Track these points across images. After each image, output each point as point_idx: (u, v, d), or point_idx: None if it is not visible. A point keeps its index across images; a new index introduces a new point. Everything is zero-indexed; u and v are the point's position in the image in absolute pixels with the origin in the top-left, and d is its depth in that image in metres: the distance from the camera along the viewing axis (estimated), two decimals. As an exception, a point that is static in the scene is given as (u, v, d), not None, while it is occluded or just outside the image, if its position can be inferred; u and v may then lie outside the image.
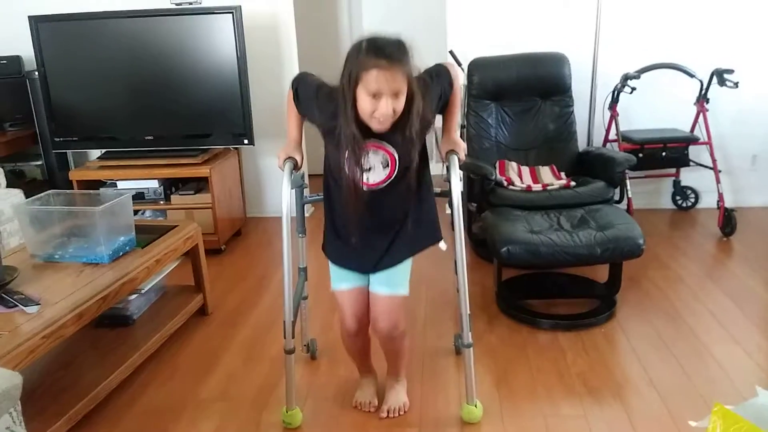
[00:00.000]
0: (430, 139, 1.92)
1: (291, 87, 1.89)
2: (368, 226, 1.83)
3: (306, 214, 3.72)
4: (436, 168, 2.06)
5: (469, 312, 1.95)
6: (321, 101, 1.77)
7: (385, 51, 1.57)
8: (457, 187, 1.86)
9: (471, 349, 1.98)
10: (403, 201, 1.82)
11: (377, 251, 1.85)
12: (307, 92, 1.84)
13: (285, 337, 1.96)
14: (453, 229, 1.96)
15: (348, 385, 2.22)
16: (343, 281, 1.91)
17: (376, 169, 1.75)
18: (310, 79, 1.86)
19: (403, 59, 1.60)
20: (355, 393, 2.14)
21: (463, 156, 1.87)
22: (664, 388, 2.15)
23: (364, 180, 1.75)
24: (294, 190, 2.07)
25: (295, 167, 1.90)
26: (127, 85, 3.57)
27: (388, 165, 1.75)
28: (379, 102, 1.60)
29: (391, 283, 1.87)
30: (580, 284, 2.92)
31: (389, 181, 1.77)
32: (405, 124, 1.67)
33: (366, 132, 1.68)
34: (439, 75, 1.82)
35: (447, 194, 2.00)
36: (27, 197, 3.30)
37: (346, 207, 1.80)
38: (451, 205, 1.95)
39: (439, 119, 1.91)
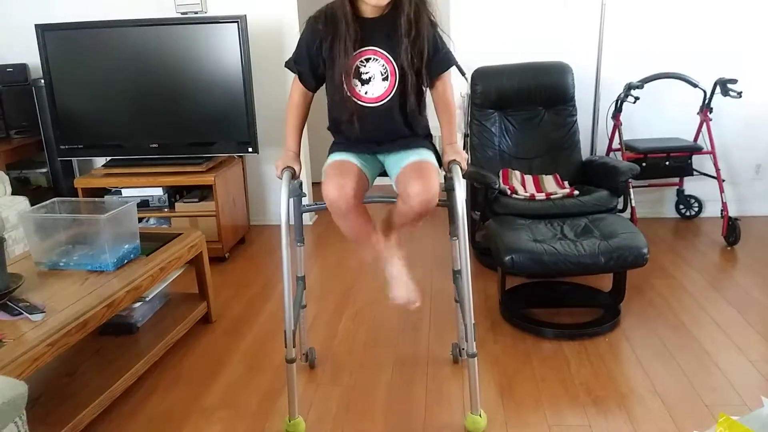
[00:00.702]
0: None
1: (291, 70, 1.92)
2: (373, 143, 1.87)
3: (309, 222, 3.74)
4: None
5: (473, 321, 1.94)
6: (317, 19, 1.79)
7: None
8: (461, 197, 1.85)
9: (475, 359, 1.97)
10: (404, 130, 1.85)
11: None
12: (301, 39, 1.86)
13: (286, 347, 1.96)
14: (451, 238, 1.96)
15: (351, 394, 2.23)
16: (345, 155, 1.89)
17: (375, 80, 1.76)
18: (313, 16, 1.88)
19: None
20: (389, 287, 1.98)
21: (465, 166, 1.87)
22: (668, 397, 2.14)
23: (363, 94, 1.77)
24: (293, 199, 2.08)
25: (293, 176, 1.91)
26: (133, 94, 3.59)
27: (387, 77, 1.76)
28: None
29: (418, 153, 1.85)
30: (584, 293, 2.92)
31: (389, 97, 1.77)
32: (397, 17, 1.71)
33: (361, 36, 1.72)
34: (442, 45, 1.85)
35: (446, 204, 2.00)
36: (32, 204, 3.31)
37: (348, 126, 1.83)
38: (453, 217, 1.95)
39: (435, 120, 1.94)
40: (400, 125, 1.85)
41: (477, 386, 1.98)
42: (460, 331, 2.32)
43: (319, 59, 1.85)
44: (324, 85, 1.93)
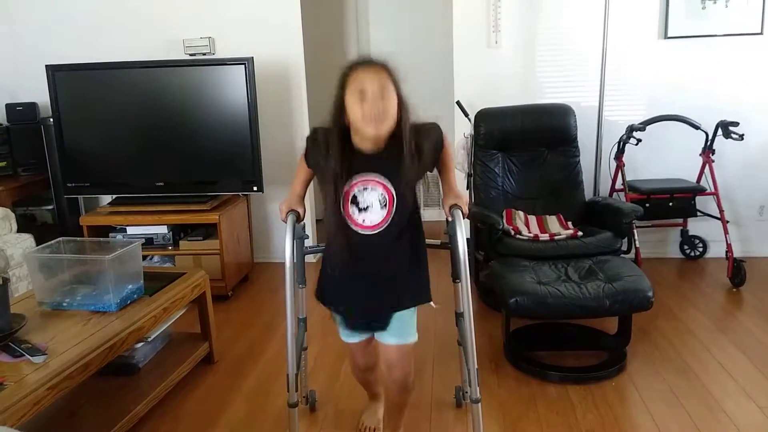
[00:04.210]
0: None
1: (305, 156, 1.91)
2: (364, 274, 1.81)
3: (312, 260, 3.73)
4: (433, 213, 2.04)
5: (476, 366, 1.91)
6: (318, 139, 1.77)
7: (366, 59, 1.67)
8: (462, 242, 1.82)
9: (479, 404, 1.93)
10: (400, 251, 1.81)
11: (376, 300, 1.84)
12: (311, 139, 1.84)
13: (288, 391, 1.94)
14: (454, 281, 1.96)
15: (354, 439, 2.19)
16: (351, 336, 1.94)
17: (373, 208, 1.72)
18: (316, 129, 1.86)
19: (386, 65, 1.66)
20: (362, 415, 2.21)
21: (466, 210, 1.85)
22: (676, 445, 2.11)
23: (361, 222, 1.73)
24: (296, 241, 2.07)
25: (298, 219, 1.90)
26: (140, 133, 3.64)
27: (386, 204, 1.72)
28: (365, 103, 1.61)
29: (400, 334, 1.86)
30: (590, 335, 2.89)
31: (388, 222, 1.73)
32: (400, 142, 1.67)
33: (359, 164, 1.70)
34: (433, 129, 1.82)
35: (448, 246, 1.98)
36: (37, 241, 3.33)
37: (340, 255, 1.78)
38: (455, 261, 1.94)
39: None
40: (393, 248, 1.79)
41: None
42: (463, 374, 2.30)
43: (318, 158, 1.79)
44: None
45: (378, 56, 1.68)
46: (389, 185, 1.71)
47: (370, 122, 1.62)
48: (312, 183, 1.94)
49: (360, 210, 1.73)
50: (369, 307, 1.86)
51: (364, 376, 2.11)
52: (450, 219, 1.84)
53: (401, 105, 1.66)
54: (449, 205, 1.84)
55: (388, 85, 1.63)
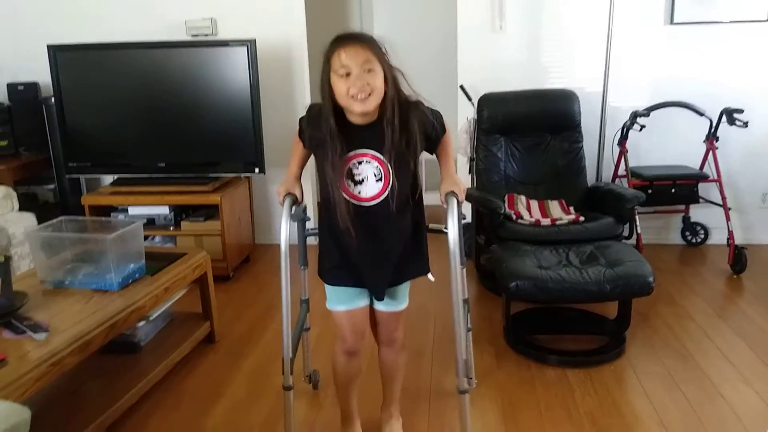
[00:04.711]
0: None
1: (299, 124, 1.89)
2: (365, 251, 1.79)
3: (314, 242, 3.73)
4: (433, 198, 1.99)
5: (464, 357, 1.84)
6: (313, 115, 1.77)
7: (349, 34, 1.65)
8: (454, 231, 1.77)
9: (467, 395, 1.87)
10: (400, 228, 1.80)
11: (375, 276, 1.83)
12: (306, 116, 1.83)
13: (283, 374, 1.90)
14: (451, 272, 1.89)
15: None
16: (340, 303, 1.88)
17: (368, 181, 1.72)
18: (312, 106, 1.85)
19: (368, 39, 1.64)
20: None
21: (462, 198, 1.80)
22: (674, 428, 2.12)
23: (357, 194, 1.73)
24: (297, 223, 2.04)
25: (295, 202, 1.86)
26: (141, 114, 3.62)
27: (381, 178, 1.72)
28: (350, 79, 1.60)
29: (393, 302, 1.89)
30: (590, 320, 2.90)
31: (384, 195, 1.73)
32: (389, 117, 1.66)
33: (352, 141, 1.69)
34: (434, 113, 1.80)
35: (442, 232, 1.91)
36: (39, 221, 3.33)
37: (340, 228, 1.75)
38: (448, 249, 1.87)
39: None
40: (394, 219, 1.77)
41: (468, 425, 1.89)
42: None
43: (313, 133, 1.79)
44: None
45: (361, 31, 1.67)
46: (383, 159, 1.70)
47: (355, 99, 1.62)
48: (312, 165, 1.92)
49: (356, 183, 1.73)
50: (367, 280, 1.84)
51: (350, 362, 1.98)
52: (444, 206, 1.79)
53: (387, 78, 1.64)
54: (445, 192, 1.79)
55: (373, 60, 1.61)
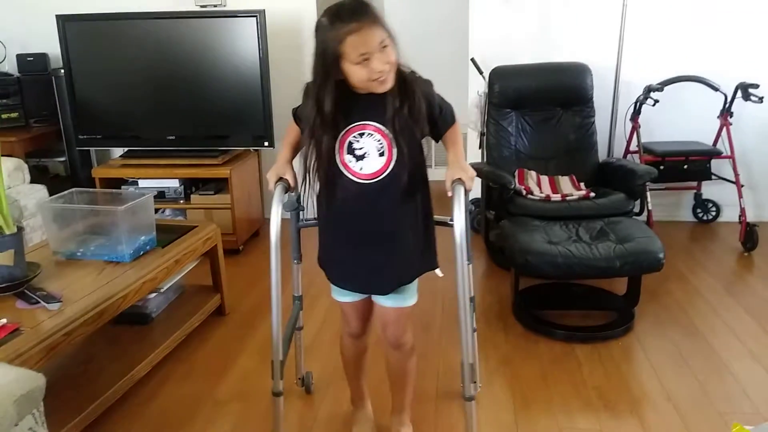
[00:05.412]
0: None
1: (292, 114, 1.77)
2: (364, 235, 1.68)
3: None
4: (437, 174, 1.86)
5: (471, 361, 1.70)
6: (310, 89, 1.61)
7: (348, 15, 1.46)
8: (460, 222, 1.61)
9: (473, 402, 1.72)
10: (404, 210, 1.66)
11: (377, 271, 1.70)
12: (302, 104, 1.69)
13: (273, 378, 1.75)
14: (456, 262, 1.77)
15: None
16: (345, 295, 1.79)
17: (370, 156, 1.59)
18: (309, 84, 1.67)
19: (372, 13, 1.48)
20: (353, 428, 2.01)
21: (471, 185, 1.64)
22: (681, 404, 2.13)
23: (358, 170, 1.60)
24: (291, 213, 1.84)
25: (288, 188, 1.70)
26: (151, 85, 3.61)
27: (384, 153, 1.59)
28: (370, 63, 1.47)
29: (399, 298, 1.74)
30: (598, 296, 2.90)
31: (387, 171, 1.60)
32: (393, 88, 1.54)
33: (351, 112, 1.58)
34: (443, 102, 1.71)
35: (447, 224, 1.75)
36: (50, 193, 3.35)
37: (339, 208, 1.65)
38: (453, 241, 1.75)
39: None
40: (400, 201, 1.65)
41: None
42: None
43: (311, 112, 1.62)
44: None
45: (347, 3, 1.48)
46: (386, 131, 1.59)
47: (379, 83, 1.50)
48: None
49: (357, 158, 1.60)
50: (371, 282, 1.73)
51: (356, 344, 1.92)
52: (450, 194, 1.64)
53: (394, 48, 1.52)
54: (451, 179, 1.63)
55: (385, 36, 1.48)
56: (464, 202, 1.61)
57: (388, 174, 1.61)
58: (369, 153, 1.60)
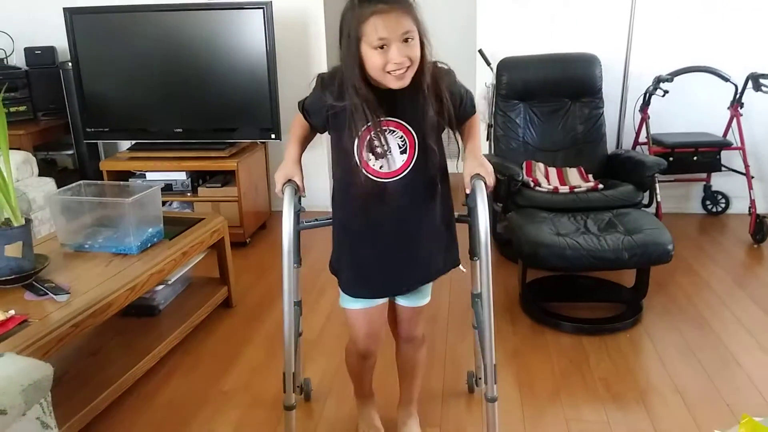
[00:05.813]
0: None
1: (298, 108, 1.70)
2: (385, 236, 1.62)
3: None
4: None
5: (494, 362, 1.67)
6: (327, 83, 1.56)
7: None
8: (484, 218, 1.56)
9: (495, 404, 1.69)
10: (424, 204, 1.61)
11: (398, 272, 1.66)
12: (313, 95, 1.63)
13: (285, 391, 1.70)
14: (471, 258, 1.81)
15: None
16: (356, 301, 1.70)
17: (392, 153, 1.53)
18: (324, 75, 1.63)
19: (406, 1, 1.41)
20: (357, 424, 1.98)
21: (491, 181, 1.59)
22: (689, 396, 2.12)
23: (378, 168, 1.53)
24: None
25: (297, 190, 1.64)
26: (158, 78, 3.61)
27: (406, 150, 1.53)
28: (388, 52, 1.39)
29: (415, 298, 1.73)
30: (606, 288, 2.89)
31: (408, 169, 1.54)
32: (418, 85, 1.47)
33: (376, 106, 1.48)
34: (465, 92, 1.66)
35: (466, 220, 1.76)
36: (58, 186, 3.36)
37: (357, 208, 1.59)
38: (473, 237, 1.74)
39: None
40: (420, 201, 1.60)
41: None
42: (477, 359, 2.08)
43: (328, 122, 1.61)
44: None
45: None
46: (410, 128, 1.53)
47: (393, 76, 1.43)
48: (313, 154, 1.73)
49: (377, 156, 1.52)
50: (391, 282, 1.68)
51: (362, 364, 1.86)
52: (468, 191, 1.60)
53: (423, 45, 1.45)
54: (470, 175, 1.59)
55: (413, 28, 1.40)
56: (485, 196, 1.55)
57: (409, 171, 1.55)
58: (390, 151, 1.53)
